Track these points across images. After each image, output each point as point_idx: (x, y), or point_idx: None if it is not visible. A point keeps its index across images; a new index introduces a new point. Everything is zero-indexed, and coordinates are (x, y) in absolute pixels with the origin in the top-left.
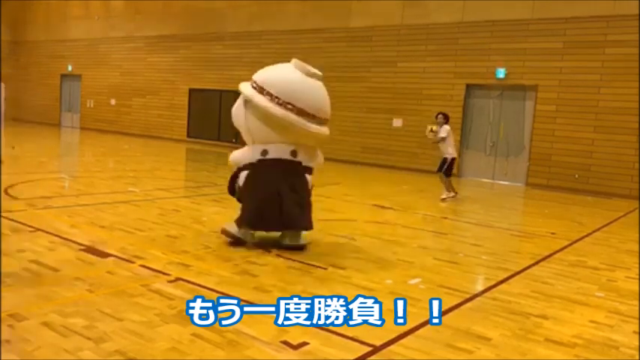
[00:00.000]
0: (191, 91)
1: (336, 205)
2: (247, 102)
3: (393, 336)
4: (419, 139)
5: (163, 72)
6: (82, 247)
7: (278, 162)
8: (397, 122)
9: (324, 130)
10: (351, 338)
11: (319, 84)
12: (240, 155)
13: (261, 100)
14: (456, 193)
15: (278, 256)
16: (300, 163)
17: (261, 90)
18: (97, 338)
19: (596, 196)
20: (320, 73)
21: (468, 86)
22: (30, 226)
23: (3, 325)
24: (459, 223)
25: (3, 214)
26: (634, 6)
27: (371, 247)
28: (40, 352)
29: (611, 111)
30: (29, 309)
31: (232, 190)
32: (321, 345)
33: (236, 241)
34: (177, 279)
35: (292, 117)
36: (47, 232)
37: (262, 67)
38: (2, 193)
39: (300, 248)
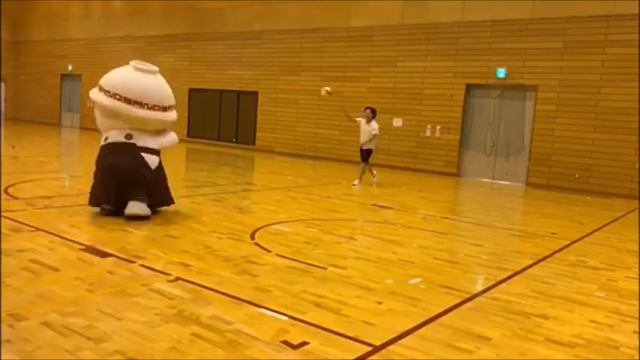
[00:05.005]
0: (191, 91)
1: (336, 204)
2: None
3: (393, 336)
4: (419, 139)
5: (163, 72)
6: (82, 247)
7: (113, 144)
8: (397, 122)
9: (156, 115)
10: (351, 338)
11: (151, 76)
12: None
13: (98, 97)
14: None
15: (278, 256)
16: (133, 144)
17: (100, 88)
18: (97, 338)
19: (596, 196)
20: (153, 68)
21: (468, 86)
22: (30, 226)
23: (3, 325)
24: (459, 223)
25: (3, 214)
26: (634, 6)
27: (371, 247)
28: (40, 352)
29: (611, 111)
30: (29, 309)
31: None
32: (321, 345)
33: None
34: (178, 279)
35: (119, 105)
36: (47, 232)
37: (262, 66)
38: (2, 193)
39: (137, 218)
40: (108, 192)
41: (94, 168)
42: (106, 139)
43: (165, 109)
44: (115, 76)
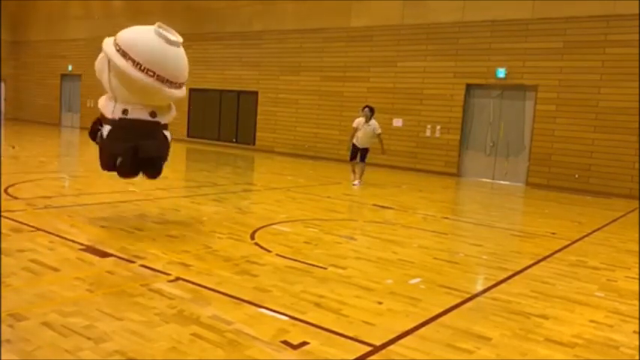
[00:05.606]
0: (191, 91)
1: (336, 204)
2: (110, 61)
3: (393, 336)
4: (419, 139)
5: None
6: (82, 247)
7: (137, 122)
8: (397, 122)
9: (179, 93)
10: (351, 338)
11: (179, 51)
12: (103, 104)
13: (125, 65)
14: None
15: (278, 256)
16: (158, 122)
17: (124, 54)
18: (97, 338)
19: (596, 195)
20: (180, 40)
21: (468, 86)
22: (30, 226)
23: (3, 325)
24: (459, 223)
25: (3, 214)
26: (634, 6)
27: (371, 247)
28: (40, 352)
29: (611, 111)
30: (29, 309)
31: (94, 136)
32: (321, 345)
33: None
34: (178, 279)
35: (152, 83)
36: (47, 232)
37: (262, 67)
38: (2, 193)
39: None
40: (124, 168)
41: (96, 160)
42: (125, 111)
43: (183, 84)
44: (145, 47)
